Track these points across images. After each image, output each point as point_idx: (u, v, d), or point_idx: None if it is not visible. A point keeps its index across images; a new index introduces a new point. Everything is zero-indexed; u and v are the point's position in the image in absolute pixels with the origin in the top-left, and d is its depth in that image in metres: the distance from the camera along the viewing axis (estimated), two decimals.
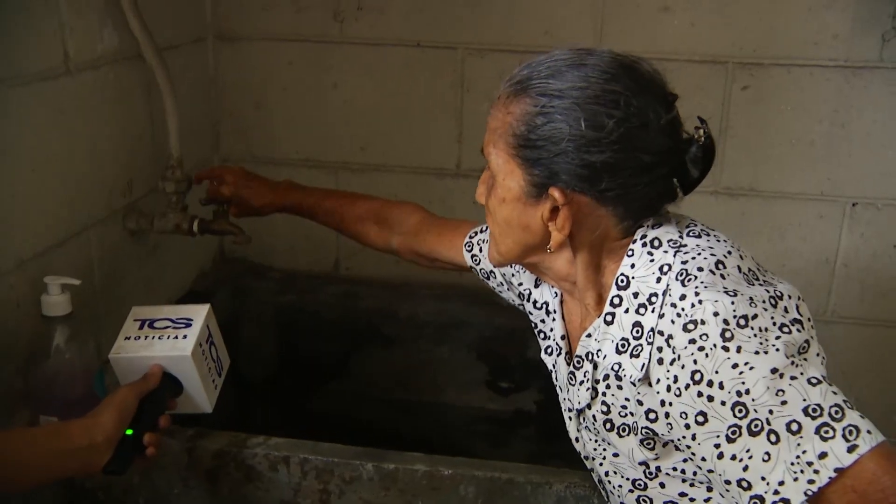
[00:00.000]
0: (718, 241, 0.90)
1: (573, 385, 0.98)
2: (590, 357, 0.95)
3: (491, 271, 1.21)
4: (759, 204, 1.72)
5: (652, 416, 0.88)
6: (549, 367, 1.07)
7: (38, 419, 1.17)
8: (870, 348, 1.76)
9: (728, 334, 0.80)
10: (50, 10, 1.21)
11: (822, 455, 0.75)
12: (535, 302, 1.12)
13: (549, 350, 1.07)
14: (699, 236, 0.90)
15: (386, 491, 1.20)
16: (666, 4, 1.63)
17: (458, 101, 1.77)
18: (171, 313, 1.15)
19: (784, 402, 0.77)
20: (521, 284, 1.14)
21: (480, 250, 1.23)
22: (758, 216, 1.74)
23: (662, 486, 0.93)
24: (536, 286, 1.11)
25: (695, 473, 0.90)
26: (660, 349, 0.84)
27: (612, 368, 0.90)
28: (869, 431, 0.75)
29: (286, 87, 1.80)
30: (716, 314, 0.80)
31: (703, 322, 0.81)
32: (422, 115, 1.79)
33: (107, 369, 1.24)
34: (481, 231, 1.25)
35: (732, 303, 0.80)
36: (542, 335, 1.11)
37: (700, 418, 0.81)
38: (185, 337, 1.10)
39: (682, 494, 0.92)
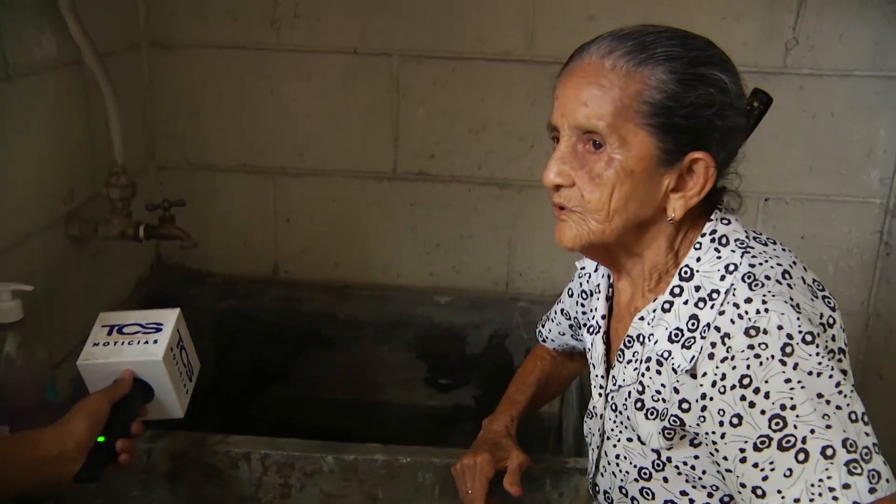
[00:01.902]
0: (784, 250, 0.93)
1: (620, 363, 1.00)
2: (640, 339, 0.96)
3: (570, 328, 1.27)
4: None
5: (685, 405, 0.90)
6: (588, 345, 1.09)
7: None
8: None
9: (789, 349, 0.81)
10: None
11: (846, 486, 0.78)
12: (584, 292, 1.16)
13: (590, 329, 1.09)
14: (766, 244, 0.92)
15: (346, 482, 1.23)
16: (591, 13, 1.72)
17: (393, 107, 1.81)
18: (141, 318, 1.14)
19: (828, 427, 0.80)
20: (589, 280, 1.15)
21: (545, 339, 1.33)
22: None
23: (666, 480, 0.96)
24: (595, 270, 1.12)
25: (703, 473, 0.93)
26: (713, 344, 0.85)
27: (662, 355, 0.92)
28: (888, 480, 0.80)
29: (223, 93, 1.81)
30: (780, 327, 0.82)
31: (765, 332, 0.82)
32: (358, 120, 1.83)
33: (58, 376, 1.24)
34: (543, 325, 1.34)
35: (798, 318, 0.82)
36: (585, 324, 1.14)
37: (735, 420, 0.83)
38: (155, 342, 1.09)
39: (683, 493, 0.96)
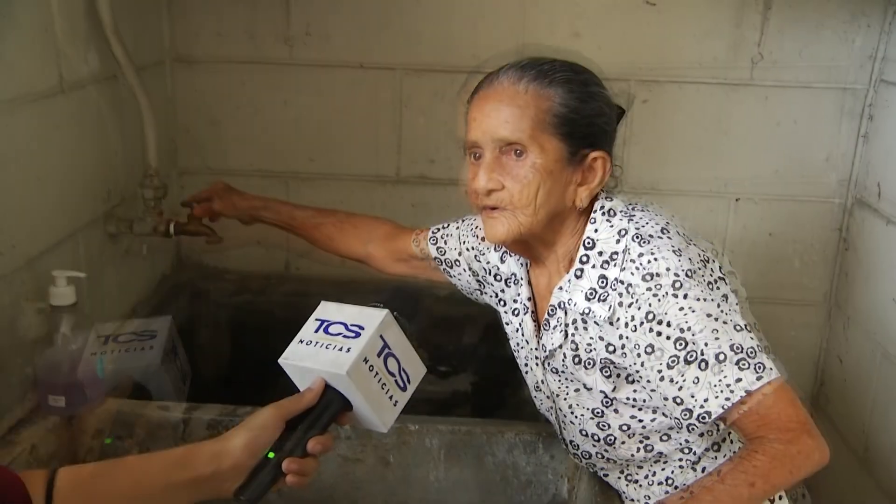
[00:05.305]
0: (658, 213, 1.14)
1: (547, 331, 1.18)
2: (561, 306, 1.15)
3: (455, 260, 1.38)
4: (659, 201, 1.93)
5: (610, 348, 1.11)
6: (516, 326, 1.27)
7: (47, 399, 1.31)
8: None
9: (678, 284, 1.04)
10: (48, 37, 1.37)
11: (738, 380, 1.02)
12: (496, 276, 1.31)
13: (515, 311, 1.27)
14: (644, 209, 1.14)
15: (362, 448, 1.39)
16: (576, 31, 1.89)
17: (396, 116, 1.98)
18: (349, 317, 1.01)
19: (717, 338, 1.03)
20: (488, 262, 1.32)
21: (445, 243, 1.40)
22: None
23: (616, 412, 1.17)
24: (502, 261, 1.29)
25: (645, 400, 1.13)
26: (621, 294, 1.07)
27: (583, 313, 1.12)
28: (771, 369, 1.03)
29: (240, 105, 1.97)
30: (668, 269, 1.04)
31: (658, 275, 1.05)
32: (364, 128, 1.99)
33: (105, 353, 1.39)
34: (443, 228, 1.42)
35: (680, 260, 1.05)
36: (502, 303, 1.31)
37: (648, 349, 1.06)
38: (348, 350, 0.96)
39: (633, 417, 1.16)
